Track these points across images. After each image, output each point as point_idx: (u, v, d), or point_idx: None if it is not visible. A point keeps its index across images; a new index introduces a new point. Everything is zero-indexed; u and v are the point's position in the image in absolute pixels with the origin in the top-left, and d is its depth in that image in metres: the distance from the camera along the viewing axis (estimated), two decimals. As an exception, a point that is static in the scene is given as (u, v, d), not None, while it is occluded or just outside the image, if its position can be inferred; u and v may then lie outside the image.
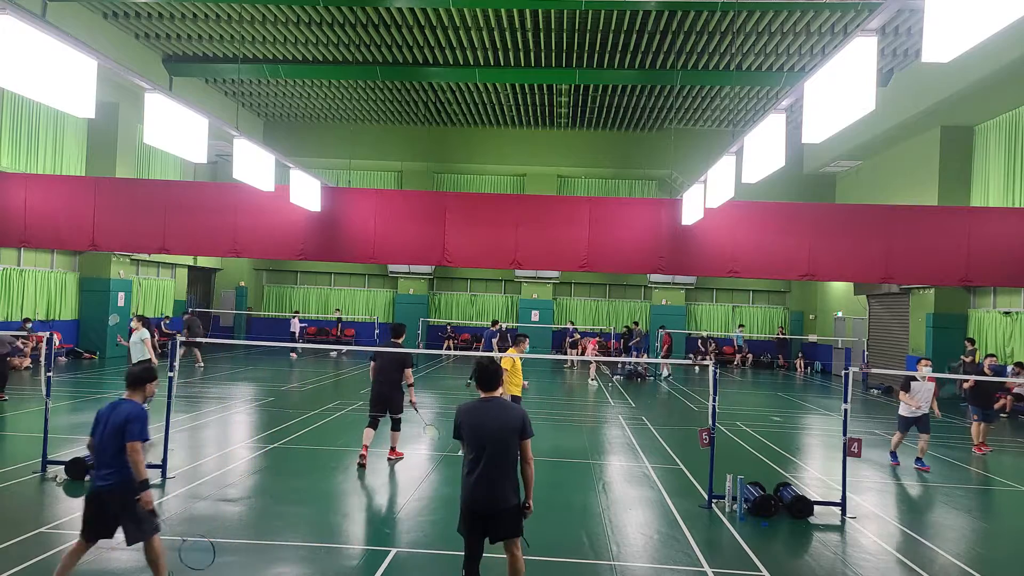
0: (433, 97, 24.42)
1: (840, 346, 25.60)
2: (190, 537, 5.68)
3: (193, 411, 12.59)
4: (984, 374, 12.06)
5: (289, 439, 10.55)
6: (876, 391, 20.79)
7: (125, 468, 4.79)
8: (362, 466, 8.98)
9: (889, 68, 19.21)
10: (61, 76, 7.19)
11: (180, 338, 10.41)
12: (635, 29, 17.88)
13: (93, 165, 20.83)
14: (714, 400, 7.94)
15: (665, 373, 22.94)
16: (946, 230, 15.40)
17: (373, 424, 9.25)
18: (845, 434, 7.90)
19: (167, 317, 24.46)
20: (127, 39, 19.25)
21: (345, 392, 16.11)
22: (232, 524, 6.70)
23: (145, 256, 23.18)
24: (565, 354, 26.18)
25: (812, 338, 27.38)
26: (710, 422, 7.95)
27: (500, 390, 4.91)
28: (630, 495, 8.29)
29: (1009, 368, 15.53)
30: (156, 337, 18.63)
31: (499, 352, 16.72)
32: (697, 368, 24.69)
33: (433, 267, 29.23)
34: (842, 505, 7.80)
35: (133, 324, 12.48)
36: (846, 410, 8.00)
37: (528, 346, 10.28)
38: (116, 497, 4.79)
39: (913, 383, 10.34)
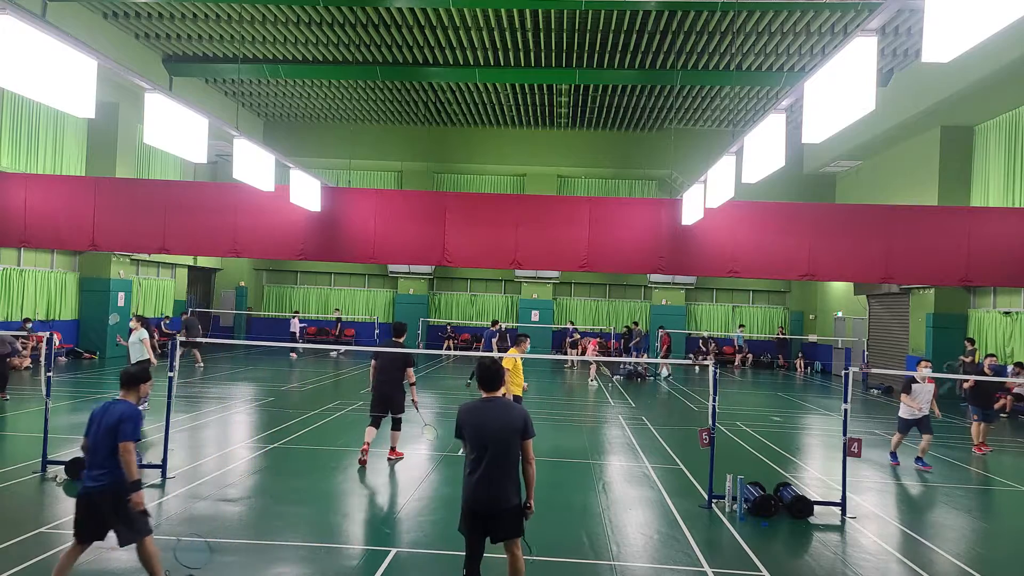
0: (433, 97, 24.43)
1: (840, 346, 25.60)
2: (185, 537, 5.69)
3: (193, 411, 12.59)
4: (984, 374, 12.05)
5: (289, 439, 10.55)
6: (876, 391, 20.79)
7: (118, 469, 4.75)
8: (363, 463, 8.99)
9: (889, 68, 19.20)
10: (61, 76, 7.18)
11: (180, 338, 10.41)
12: (635, 29, 17.88)
13: (93, 165, 20.83)
14: (714, 400, 7.94)
15: (665, 373, 22.94)
16: (946, 230, 15.40)
17: (375, 423, 9.25)
18: (845, 434, 7.90)
19: (167, 317, 24.45)
20: (127, 39, 19.25)
21: (345, 392, 16.11)
22: (232, 524, 6.70)
23: (145, 256, 23.18)
24: (565, 354, 26.18)
25: (812, 338, 27.38)
26: (710, 422, 7.95)
27: (502, 390, 4.91)
28: (630, 495, 8.29)
29: (1009, 368, 15.54)
30: (156, 337, 18.64)
31: (498, 352, 16.74)
32: (697, 368, 24.69)
33: (433, 267, 29.23)
34: (842, 505, 7.80)
35: (132, 324, 12.49)
36: (846, 410, 8.00)
37: (529, 346, 10.29)
38: (108, 498, 4.75)
39: (914, 385, 10.34)
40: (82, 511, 4.80)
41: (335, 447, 10.16)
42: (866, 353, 23.65)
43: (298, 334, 26.54)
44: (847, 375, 8.06)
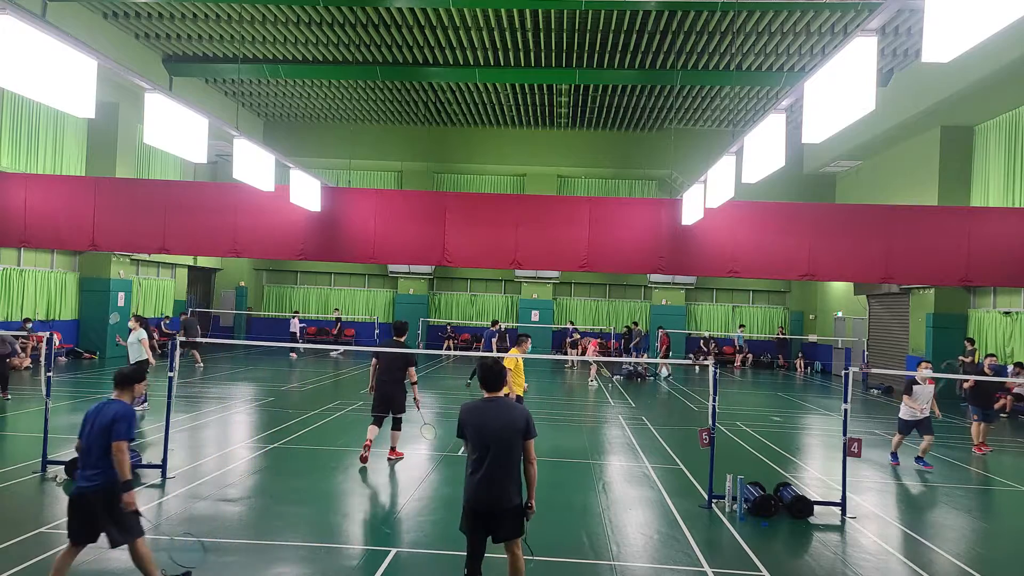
0: (433, 97, 24.43)
1: (840, 346, 25.60)
2: (179, 537, 5.68)
3: (193, 411, 12.59)
4: (984, 374, 12.05)
5: (289, 439, 10.55)
6: (876, 391, 20.78)
7: (111, 469, 4.72)
8: (364, 459, 9.03)
9: (889, 68, 19.21)
10: (61, 76, 7.18)
11: (180, 338, 10.42)
12: (635, 29, 17.88)
13: (93, 165, 20.83)
14: (714, 400, 7.94)
15: (665, 373, 22.95)
16: (946, 230, 15.39)
17: (377, 422, 9.27)
18: (845, 434, 7.90)
19: (167, 317, 24.45)
20: (127, 39, 19.25)
21: (345, 392, 16.11)
22: (232, 524, 6.70)
23: (145, 256, 23.18)
24: (565, 354, 26.18)
25: (812, 338, 27.38)
26: (710, 422, 7.95)
27: (504, 390, 4.92)
28: (630, 495, 8.29)
29: (1009, 368, 15.54)
30: (156, 337, 18.63)
31: (498, 352, 16.74)
32: (698, 368, 24.70)
33: (433, 267, 29.23)
34: (842, 505, 7.80)
35: (131, 324, 12.50)
36: (846, 410, 8.00)
37: (530, 346, 10.31)
38: (100, 498, 4.71)
39: (915, 387, 10.34)
40: (75, 512, 4.76)
41: (335, 447, 10.16)
42: (866, 353, 23.65)
43: (298, 334, 26.54)
44: (847, 375, 8.06)
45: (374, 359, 9.53)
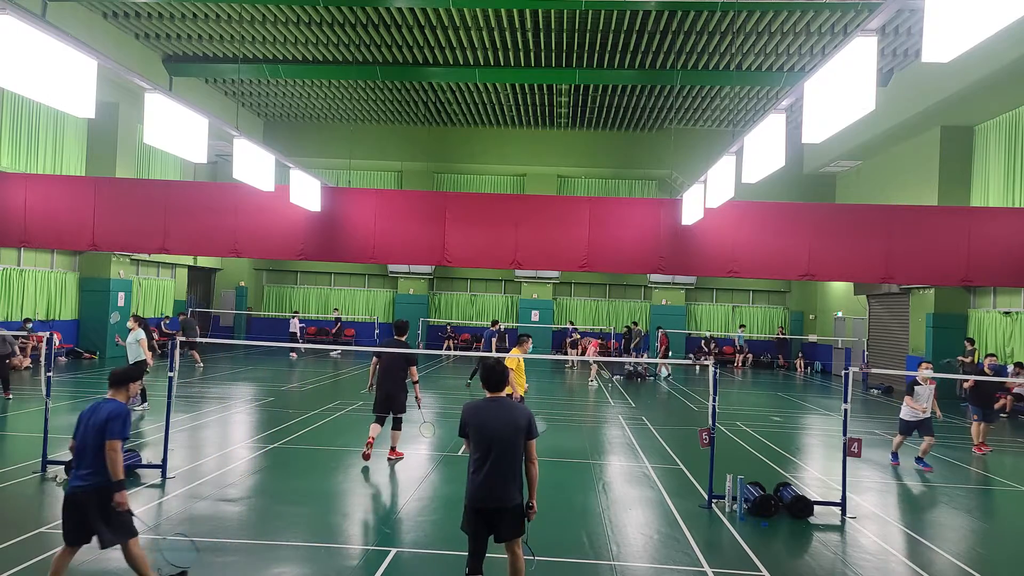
0: (433, 97, 24.42)
1: (840, 346, 25.60)
2: (171, 536, 5.67)
3: (193, 411, 12.59)
4: (984, 374, 12.05)
5: (289, 439, 10.55)
6: (876, 391, 20.78)
7: (105, 469, 4.69)
8: (366, 457, 9.09)
9: (889, 68, 19.21)
10: (61, 76, 7.18)
11: (180, 339, 10.42)
12: (635, 29, 17.88)
13: (93, 165, 20.83)
14: (714, 400, 7.94)
15: (665, 373, 22.95)
16: (946, 230, 15.39)
17: (380, 421, 9.31)
18: (845, 434, 7.90)
19: (167, 317, 24.45)
20: (127, 39, 19.25)
21: (345, 392, 16.11)
22: (232, 524, 6.70)
23: (145, 256, 23.18)
24: (565, 354, 26.18)
25: (812, 338, 27.39)
26: (710, 422, 7.95)
27: (508, 390, 4.94)
28: (630, 495, 8.28)
29: (1009, 368, 15.54)
30: (156, 337, 18.63)
31: (496, 352, 16.74)
32: (698, 368, 24.70)
33: (433, 267, 29.23)
34: (842, 505, 7.80)
35: (130, 324, 12.51)
36: (846, 410, 8.00)
37: (531, 346, 10.30)
38: (94, 498, 4.68)
39: (917, 387, 10.34)
40: (69, 512, 4.73)
41: (335, 447, 10.16)
42: (866, 353, 23.65)
43: (298, 334, 26.54)
44: (847, 375, 8.06)
45: (375, 358, 9.54)
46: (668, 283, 28.96)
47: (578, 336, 26.61)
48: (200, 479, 8.14)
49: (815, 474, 9.89)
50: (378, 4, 16.02)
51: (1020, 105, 17.42)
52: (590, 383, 19.50)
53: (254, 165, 13.31)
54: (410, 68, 20.58)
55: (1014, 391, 16.57)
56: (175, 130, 10.12)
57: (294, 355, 24.39)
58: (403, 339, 9.60)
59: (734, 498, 7.69)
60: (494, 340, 18.68)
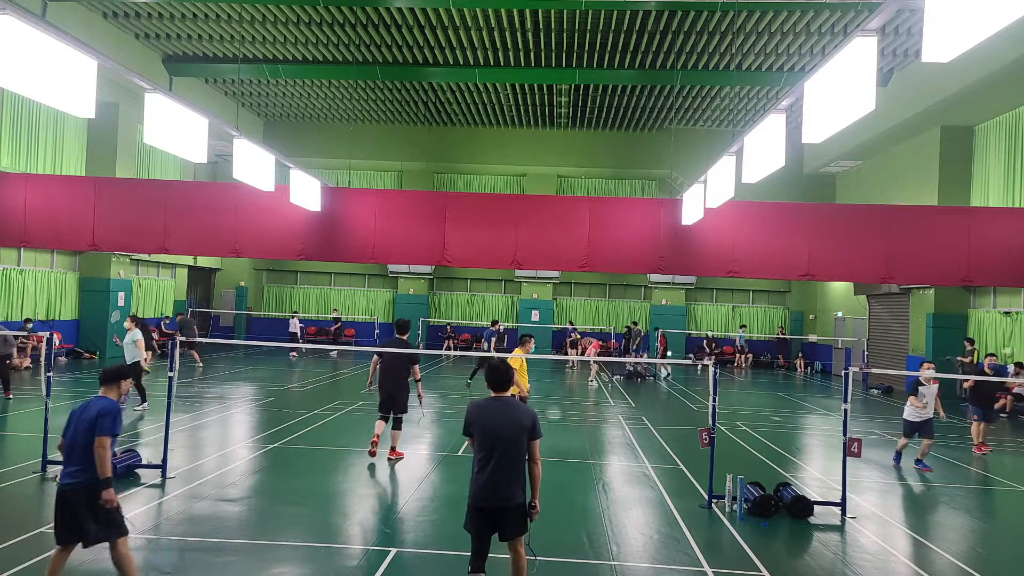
0: (433, 97, 24.42)
1: (840, 346, 25.60)
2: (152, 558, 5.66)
3: (193, 411, 12.59)
4: (984, 374, 12.05)
5: (289, 439, 10.55)
6: (876, 391, 20.78)
7: (95, 466, 4.67)
8: (372, 455, 9.18)
9: (889, 68, 19.21)
10: (61, 76, 7.18)
11: (179, 339, 10.43)
12: (635, 29, 17.87)
13: (93, 165, 20.83)
14: (714, 400, 7.94)
15: (664, 373, 22.95)
16: (946, 230, 15.38)
17: (384, 418, 9.35)
18: (845, 434, 7.90)
19: (167, 317, 24.45)
20: (127, 39, 19.25)
21: (345, 392, 16.11)
22: (232, 524, 6.70)
23: (145, 256, 23.18)
24: (565, 354, 26.18)
25: (812, 338, 27.38)
26: (710, 422, 7.95)
27: (514, 390, 4.96)
28: (630, 495, 8.29)
29: (1009, 368, 15.53)
30: (156, 337, 18.62)
31: (496, 352, 16.73)
32: (699, 368, 24.70)
33: (433, 267, 29.23)
34: (842, 505, 7.80)
35: (127, 325, 12.51)
36: (846, 410, 8.00)
37: (533, 346, 10.31)
38: (83, 496, 4.67)
39: (921, 387, 10.33)
40: (59, 510, 4.71)
41: (335, 447, 10.16)
42: (866, 353, 23.65)
43: (298, 334, 26.53)
44: (847, 375, 8.06)
45: (376, 356, 9.55)
46: (668, 283, 28.96)
47: (578, 336, 26.62)
48: (200, 479, 8.14)
49: (815, 474, 9.89)
50: (378, 4, 16.02)
51: (1020, 105, 17.42)
52: (590, 383, 19.51)
53: (254, 165, 13.30)
54: (410, 68, 20.58)
55: (1014, 391, 16.57)
56: (175, 130, 10.12)
57: (294, 355, 24.39)
58: (404, 338, 9.62)
59: (734, 498, 7.69)
60: (493, 340, 18.70)
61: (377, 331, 27.97)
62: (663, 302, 29.17)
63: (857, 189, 24.65)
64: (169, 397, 8.14)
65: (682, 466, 9.79)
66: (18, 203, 15.97)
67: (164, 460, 8.17)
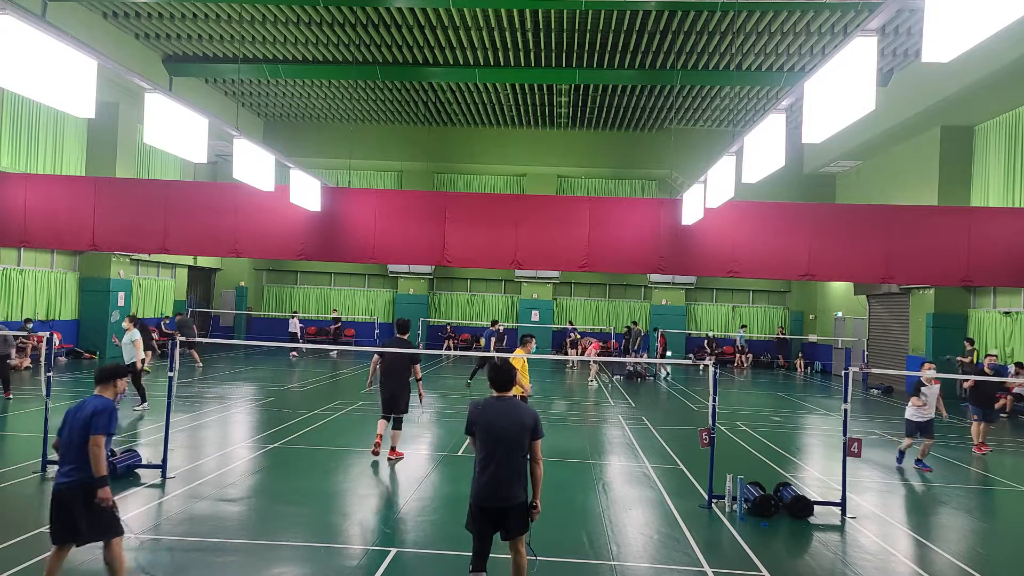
0: (433, 97, 24.42)
1: (840, 346, 25.59)
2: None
3: (193, 411, 12.59)
4: (984, 374, 12.04)
5: (289, 439, 10.55)
6: (876, 391, 20.78)
7: (89, 465, 4.66)
8: (375, 453, 9.22)
9: (889, 68, 19.20)
10: (61, 76, 7.18)
11: (179, 339, 10.43)
12: (635, 29, 17.87)
13: (93, 165, 20.83)
14: (714, 400, 7.94)
15: (664, 373, 22.95)
16: (946, 230, 15.38)
17: (386, 418, 9.36)
18: (845, 434, 7.90)
19: (166, 317, 24.45)
20: (127, 39, 19.25)
21: (345, 392, 16.11)
22: (232, 524, 6.70)
23: (145, 256, 23.18)
24: (565, 354, 26.17)
25: (812, 338, 27.38)
26: (710, 422, 7.95)
27: (517, 390, 4.97)
28: (630, 495, 8.28)
29: (1010, 368, 15.53)
30: (156, 337, 18.63)
31: (496, 352, 16.71)
32: (700, 368, 24.69)
33: (433, 267, 29.23)
34: (842, 505, 7.80)
35: (125, 324, 12.51)
36: (846, 410, 8.00)
37: (535, 346, 10.31)
38: (78, 495, 4.65)
39: (922, 388, 10.32)
40: (55, 510, 4.69)
41: (335, 447, 10.16)
42: (866, 353, 23.65)
43: (298, 334, 26.53)
44: (847, 375, 8.06)
45: (376, 356, 9.55)
46: (668, 283, 28.96)
47: (578, 336, 26.61)
48: (200, 479, 8.14)
49: (815, 474, 9.89)
50: (378, 4, 16.02)
51: (1020, 105, 17.42)
52: (590, 383, 19.51)
53: (254, 165, 13.30)
54: (410, 68, 20.58)
55: (1014, 391, 16.56)
56: (175, 130, 10.12)
57: (294, 355, 24.39)
58: (405, 337, 9.63)
59: (734, 498, 7.69)
60: (493, 340, 18.70)
61: (377, 331, 27.97)
62: (663, 302, 29.17)
63: (857, 189, 24.64)
64: (169, 397, 8.14)
65: (682, 466, 9.79)
66: (18, 203, 15.97)
67: (164, 460, 8.16)
